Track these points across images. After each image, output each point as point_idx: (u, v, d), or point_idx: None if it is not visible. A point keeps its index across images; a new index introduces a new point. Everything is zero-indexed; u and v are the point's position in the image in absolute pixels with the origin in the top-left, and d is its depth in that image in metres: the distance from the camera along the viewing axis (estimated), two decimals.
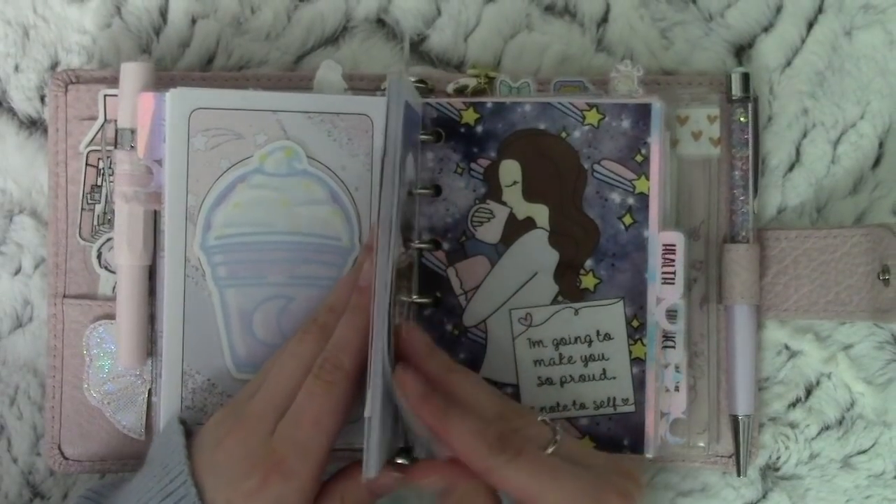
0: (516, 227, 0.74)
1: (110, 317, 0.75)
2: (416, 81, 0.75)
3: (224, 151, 0.72)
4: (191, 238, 0.72)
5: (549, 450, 0.65)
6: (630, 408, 0.73)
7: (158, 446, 0.69)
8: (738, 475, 0.76)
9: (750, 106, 0.75)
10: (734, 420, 0.75)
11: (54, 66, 0.78)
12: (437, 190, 0.74)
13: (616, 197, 0.73)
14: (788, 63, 0.78)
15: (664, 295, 0.72)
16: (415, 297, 0.73)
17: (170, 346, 0.72)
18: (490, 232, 0.74)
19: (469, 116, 0.74)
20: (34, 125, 0.78)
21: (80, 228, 0.76)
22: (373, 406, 0.63)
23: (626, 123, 0.73)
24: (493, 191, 0.74)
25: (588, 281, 0.73)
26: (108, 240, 0.75)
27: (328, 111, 0.73)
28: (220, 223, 0.72)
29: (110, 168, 0.75)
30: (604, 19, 0.78)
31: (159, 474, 0.66)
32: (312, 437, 0.66)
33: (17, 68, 0.79)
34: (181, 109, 0.71)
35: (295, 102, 0.73)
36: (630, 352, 0.73)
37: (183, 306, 0.72)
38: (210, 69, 0.78)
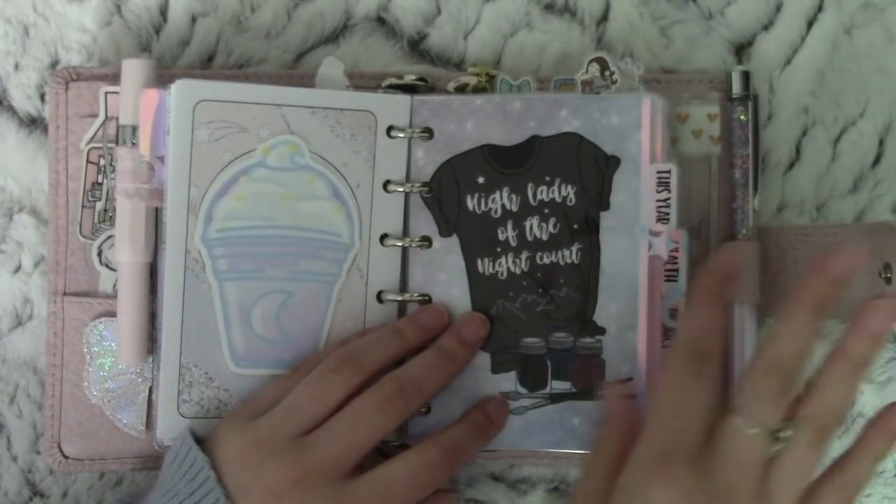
0: None
1: (111, 314, 0.75)
2: (417, 80, 0.75)
3: (227, 144, 0.72)
4: (192, 230, 0.72)
5: None
6: None
7: (176, 466, 0.69)
8: None
9: (750, 104, 0.75)
10: None
11: (54, 64, 0.78)
12: None
13: None
14: (788, 61, 0.78)
15: (667, 292, 0.72)
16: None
17: (168, 338, 0.72)
18: None
19: None
20: (34, 123, 0.78)
21: (80, 226, 0.75)
22: None
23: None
24: None
25: None
26: (109, 237, 0.75)
27: (332, 107, 0.73)
28: (222, 216, 0.72)
29: (111, 165, 0.75)
30: (604, 17, 0.78)
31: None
32: None
33: (17, 67, 0.79)
34: (186, 101, 0.71)
35: (299, 97, 0.72)
36: None
37: (182, 299, 0.72)
38: (210, 67, 0.78)
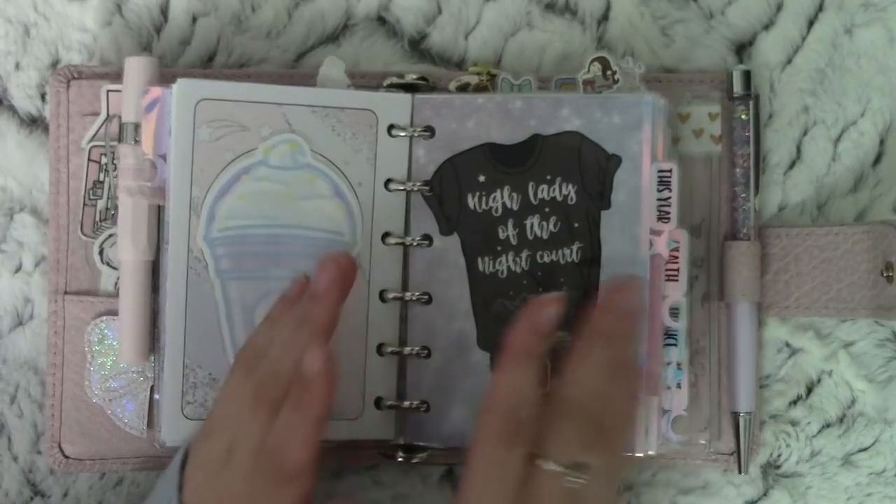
0: None
1: (112, 313, 0.75)
2: (418, 79, 0.75)
3: (229, 143, 0.72)
4: (194, 229, 0.72)
5: None
6: None
7: (164, 482, 0.68)
8: (739, 473, 0.76)
9: (751, 103, 0.75)
10: (735, 417, 0.75)
11: (55, 64, 0.78)
12: None
13: None
14: (789, 61, 0.78)
15: (667, 292, 0.72)
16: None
17: (171, 339, 0.72)
18: None
19: None
20: (34, 123, 0.78)
21: (81, 224, 0.75)
22: None
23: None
24: None
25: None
26: (111, 236, 0.75)
27: (333, 106, 0.73)
28: (224, 215, 0.72)
29: (113, 163, 0.75)
30: (604, 17, 0.78)
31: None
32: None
33: (17, 66, 0.79)
34: (187, 100, 0.71)
35: (300, 96, 0.73)
36: None
37: (185, 299, 0.72)
38: (210, 67, 0.78)
